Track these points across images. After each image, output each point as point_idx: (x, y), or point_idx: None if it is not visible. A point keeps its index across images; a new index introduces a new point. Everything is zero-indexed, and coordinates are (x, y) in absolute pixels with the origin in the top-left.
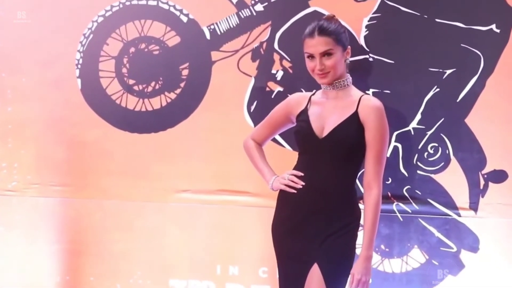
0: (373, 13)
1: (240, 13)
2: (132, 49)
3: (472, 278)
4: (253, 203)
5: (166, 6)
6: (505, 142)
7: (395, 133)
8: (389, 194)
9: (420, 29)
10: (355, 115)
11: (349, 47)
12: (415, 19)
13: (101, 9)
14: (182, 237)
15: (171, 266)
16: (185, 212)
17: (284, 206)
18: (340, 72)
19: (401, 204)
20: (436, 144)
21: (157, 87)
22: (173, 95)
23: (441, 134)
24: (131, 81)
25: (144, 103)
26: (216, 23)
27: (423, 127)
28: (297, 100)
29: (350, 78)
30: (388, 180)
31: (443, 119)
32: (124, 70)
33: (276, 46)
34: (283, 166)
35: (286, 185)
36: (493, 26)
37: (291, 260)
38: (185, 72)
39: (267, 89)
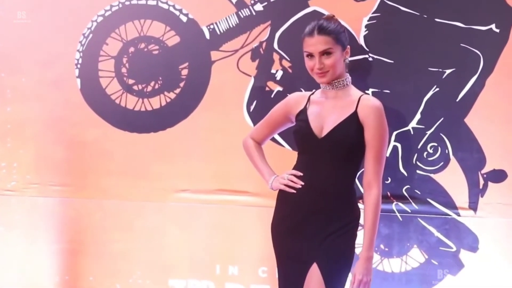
0: (372, 13)
1: (239, 12)
2: (132, 49)
3: (472, 278)
4: (252, 202)
5: (165, 6)
6: (504, 142)
7: (395, 132)
8: (389, 194)
9: (419, 29)
10: (355, 115)
11: (348, 46)
12: (415, 18)
13: (101, 9)
14: (181, 237)
15: (170, 266)
16: (185, 212)
17: (283, 206)
18: (339, 72)
19: (400, 204)
20: (436, 144)
21: (156, 86)
22: (172, 95)
23: (441, 134)
24: (131, 81)
25: (143, 103)
26: (216, 23)
27: (423, 126)
28: (296, 99)
29: (350, 77)
30: (388, 180)
31: (442, 118)
32: (124, 70)
33: (275, 45)
34: (283, 166)
35: (285, 185)
36: (493, 26)
37: (290, 259)
38: (184, 72)
39: (267, 88)
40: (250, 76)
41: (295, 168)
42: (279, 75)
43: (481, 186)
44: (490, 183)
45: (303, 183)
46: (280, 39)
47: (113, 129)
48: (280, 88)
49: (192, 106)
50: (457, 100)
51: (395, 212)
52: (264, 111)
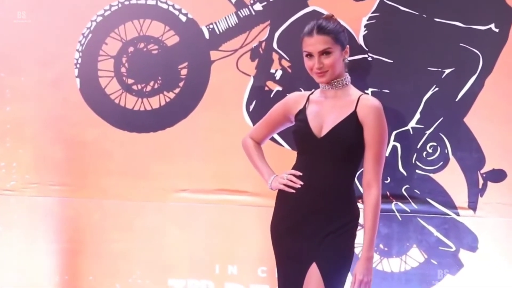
0: (372, 13)
1: (239, 12)
2: (131, 49)
3: (471, 278)
4: (252, 202)
5: (165, 6)
6: (504, 142)
7: (394, 132)
8: (388, 194)
9: (419, 29)
10: (354, 115)
11: (347, 46)
12: (414, 18)
13: (100, 8)
14: (181, 237)
15: (170, 265)
16: (184, 212)
17: (283, 206)
18: (339, 71)
19: (400, 204)
20: (435, 144)
21: (156, 86)
22: (172, 95)
23: (440, 134)
24: (130, 81)
25: (143, 103)
26: (215, 23)
27: (422, 126)
28: (295, 99)
29: (349, 77)
30: (387, 180)
31: (442, 118)
32: (123, 70)
33: (275, 45)
34: (282, 166)
35: (285, 184)
36: (492, 26)
37: (290, 259)
38: (184, 72)
39: (266, 88)
40: (250, 75)
41: (294, 168)
42: (278, 74)
43: (480, 186)
44: (489, 183)
45: (302, 183)
46: (279, 38)
47: (112, 129)
48: (280, 88)
49: (192, 105)
50: (457, 100)
51: (394, 212)
52: (263, 111)
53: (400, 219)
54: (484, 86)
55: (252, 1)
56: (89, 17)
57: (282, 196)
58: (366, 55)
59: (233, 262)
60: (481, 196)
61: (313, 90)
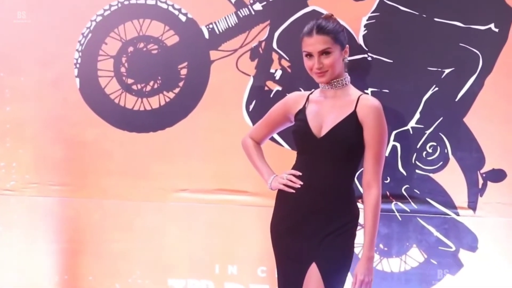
0: (372, 12)
1: (238, 12)
2: (131, 49)
3: (471, 278)
4: (252, 202)
5: (164, 6)
6: (503, 141)
7: (394, 132)
8: (388, 194)
9: (419, 29)
10: (354, 115)
11: (347, 46)
12: (414, 18)
13: (100, 8)
14: (181, 237)
15: (170, 265)
16: (184, 212)
17: (282, 206)
18: (338, 71)
19: (399, 204)
20: (435, 143)
21: (155, 86)
22: (171, 95)
23: (440, 133)
24: (130, 81)
25: (142, 103)
26: (215, 22)
27: (422, 126)
28: (295, 99)
29: (349, 77)
30: (387, 180)
31: (441, 118)
32: (123, 70)
33: (274, 45)
34: (282, 166)
35: (284, 184)
36: (492, 26)
37: (289, 259)
38: (183, 72)
39: (266, 88)
40: (249, 75)
41: (294, 167)
42: (278, 74)
43: (480, 186)
44: (489, 183)
45: (302, 183)
46: (279, 38)
47: (112, 129)
48: (279, 88)
49: (191, 105)
50: (456, 100)
51: (394, 212)
52: (263, 111)
53: (400, 219)
54: (484, 86)
55: (251, 1)
56: (89, 17)
57: (282, 196)
58: (365, 55)
59: (233, 262)
60: (481, 196)
61: (312, 90)
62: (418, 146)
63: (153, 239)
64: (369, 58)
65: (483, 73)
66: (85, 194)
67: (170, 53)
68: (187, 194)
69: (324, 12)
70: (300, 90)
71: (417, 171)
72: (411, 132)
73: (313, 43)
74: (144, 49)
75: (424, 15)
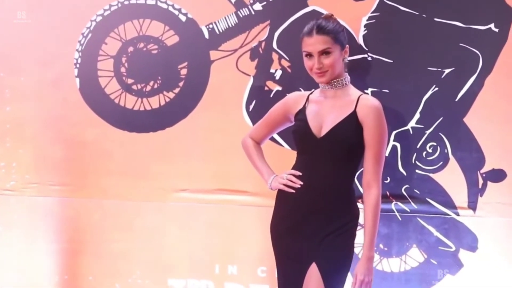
0: (372, 12)
1: (238, 12)
2: (131, 49)
3: (471, 278)
4: (252, 202)
5: (164, 6)
6: (503, 141)
7: (394, 132)
8: (388, 194)
9: (419, 29)
10: (354, 115)
11: (347, 46)
12: (414, 18)
13: (100, 8)
14: (181, 237)
15: (170, 265)
16: (184, 212)
17: (282, 206)
18: (338, 71)
19: (399, 204)
20: (435, 143)
21: (155, 86)
22: (171, 95)
23: (440, 133)
24: (130, 81)
25: (142, 103)
26: (215, 22)
27: (422, 126)
28: (295, 99)
29: (349, 77)
30: (387, 180)
31: (441, 118)
32: (123, 70)
33: (274, 45)
34: (282, 166)
35: (284, 184)
36: (492, 26)
37: (289, 259)
38: (183, 72)
39: (266, 88)
40: (249, 75)
41: (294, 167)
42: (278, 74)
43: (480, 186)
44: (489, 183)
45: (302, 183)
46: (279, 38)
47: (112, 129)
48: (279, 88)
49: (191, 105)
50: (456, 100)
51: (394, 212)
52: (263, 111)
53: (400, 219)
54: (484, 86)
55: (251, 1)
56: (89, 17)
57: (282, 196)
58: (365, 55)
59: (233, 262)
60: (481, 196)
61: (312, 90)
62: (418, 146)
63: (153, 239)
64: (369, 58)
65: (483, 73)
66: (85, 194)
67: (170, 53)
68: (187, 194)
69: (324, 12)
70: (300, 90)
71: (417, 171)
72: (411, 132)
73: (313, 43)
74: (144, 49)
75: (424, 15)
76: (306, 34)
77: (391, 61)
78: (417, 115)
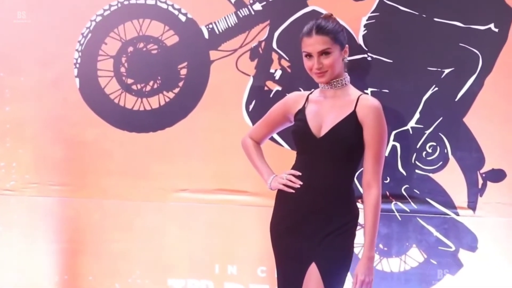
0: (371, 12)
1: (238, 12)
2: (131, 48)
3: (471, 278)
4: (251, 202)
5: (164, 6)
6: (503, 141)
7: (394, 132)
8: (388, 194)
9: (418, 29)
10: (353, 115)
11: (347, 46)
12: (414, 18)
13: (100, 8)
14: (181, 237)
15: (169, 265)
16: (184, 212)
17: (282, 206)
18: (338, 71)
19: (399, 203)
20: (435, 143)
21: (155, 86)
22: (171, 94)
23: (440, 133)
24: (130, 80)
25: (142, 103)
26: (215, 22)
27: (422, 126)
28: (294, 99)
29: (348, 77)
30: (387, 180)
31: (441, 118)
32: (123, 69)
33: (274, 45)
34: (282, 166)
35: (284, 184)
36: (492, 25)
37: (289, 259)
38: (183, 71)
39: (266, 88)
40: (249, 75)
41: (294, 167)
42: (278, 74)
43: (480, 186)
44: (489, 183)
45: (302, 183)
46: (279, 38)
47: (112, 129)
48: (279, 88)
49: (191, 105)
50: (456, 100)
51: (394, 212)
52: (263, 111)
53: (400, 219)
54: (484, 86)
55: (251, 1)
56: (89, 17)
57: (281, 196)
58: (365, 55)
59: (233, 262)
60: (481, 196)
61: (312, 90)
62: (418, 146)
63: (153, 239)
64: (369, 58)
65: (483, 73)
66: (85, 194)
67: (170, 53)
68: (187, 194)
69: (324, 12)
70: (300, 90)
71: (416, 171)
72: (411, 132)
73: (313, 43)
74: (144, 49)
75: (424, 15)
76: (305, 34)
77: (391, 61)
78: (417, 115)
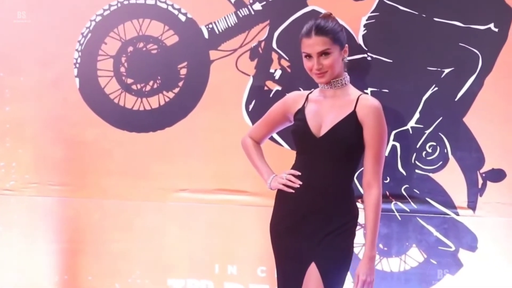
0: (371, 12)
1: (238, 12)
2: (130, 48)
3: (471, 277)
4: (251, 202)
5: (164, 5)
6: (503, 141)
7: (394, 132)
8: (388, 193)
9: (418, 28)
10: (353, 115)
11: (346, 45)
12: (414, 18)
13: (100, 8)
14: (180, 237)
15: (169, 265)
16: (184, 212)
17: (282, 205)
18: (338, 71)
19: (399, 203)
20: (435, 143)
21: (155, 86)
22: (171, 94)
23: (440, 133)
24: (129, 80)
25: (142, 102)
26: (214, 22)
27: (422, 126)
28: (294, 98)
29: (348, 77)
30: (387, 179)
31: (441, 118)
32: (122, 69)
33: (274, 45)
34: (282, 165)
35: (284, 184)
36: (491, 25)
37: (289, 259)
38: (183, 71)
39: (266, 88)
40: (249, 75)
41: (293, 167)
42: (277, 74)
43: (480, 186)
44: (489, 183)
45: (301, 183)
46: (278, 38)
47: (112, 129)
48: (279, 88)
49: (191, 105)
50: (456, 100)
51: (394, 212)
52: (263, 111)
53: (400, 219)
54: (484, 85)
55: (251, 1)
56: (89, 17)
57: (281, 196)
58: (365, 55)
59: (233, 262)
60: (481, 195)
61: (312, 89)
62: (417, 146)
63: (153, 239)
64: (369, 58)
65: (482, 73)
66: (85, 194)
67: (169, 53)
68: (187, 194)
69: (324, 12)
70: (300, 90)
71: (416, 171)
72: (411, 132)
73: (312, 44)
74: (144, 49)
75: (424, 15)
76: (304, 35)
77: (391, 61)
78: (416, 115)
